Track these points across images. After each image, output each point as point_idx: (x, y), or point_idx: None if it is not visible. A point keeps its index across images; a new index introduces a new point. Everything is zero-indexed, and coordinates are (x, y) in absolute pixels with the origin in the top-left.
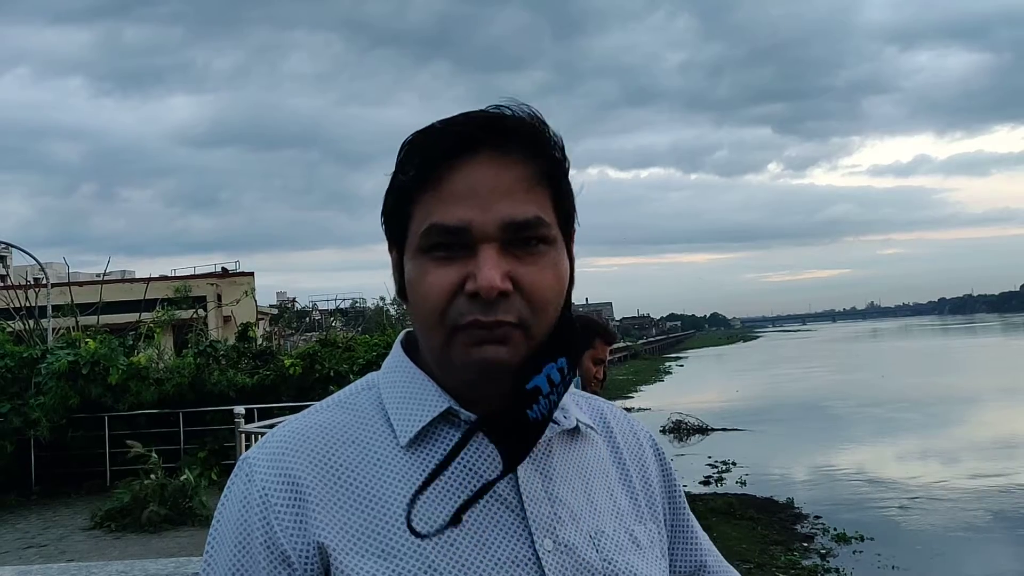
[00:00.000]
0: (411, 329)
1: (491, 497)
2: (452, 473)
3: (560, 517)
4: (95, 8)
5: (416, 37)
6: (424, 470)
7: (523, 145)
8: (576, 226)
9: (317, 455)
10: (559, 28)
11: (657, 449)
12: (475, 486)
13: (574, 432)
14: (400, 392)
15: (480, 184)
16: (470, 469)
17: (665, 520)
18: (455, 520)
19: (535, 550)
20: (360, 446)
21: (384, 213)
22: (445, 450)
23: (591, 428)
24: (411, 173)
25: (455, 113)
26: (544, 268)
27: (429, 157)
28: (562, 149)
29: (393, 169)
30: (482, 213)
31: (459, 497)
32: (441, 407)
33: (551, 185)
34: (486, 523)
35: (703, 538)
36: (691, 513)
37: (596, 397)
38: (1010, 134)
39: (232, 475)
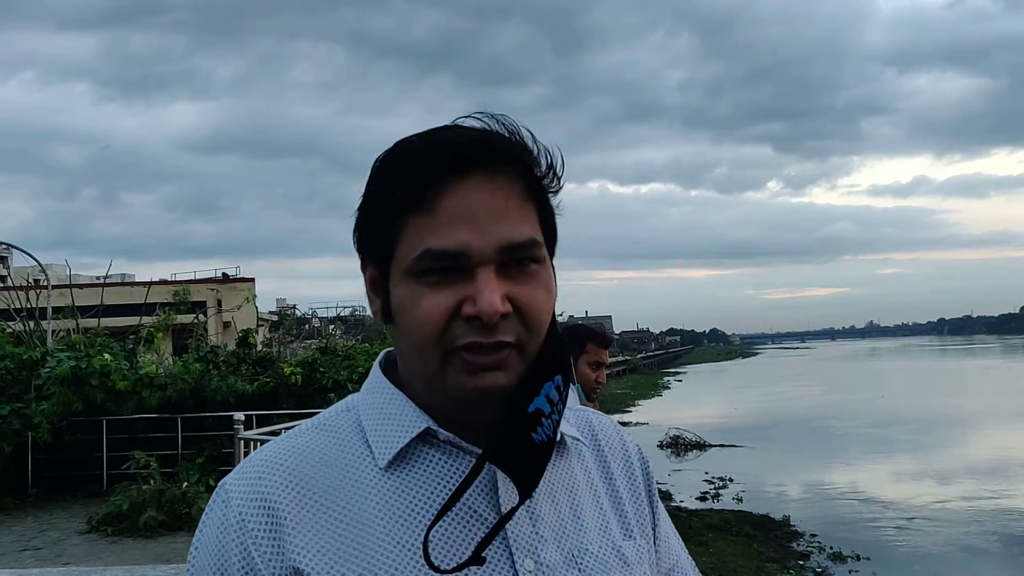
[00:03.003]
0: (390, 349)
1: (470, 517)
2: (439, 503)
3: (542, 536)
4: (102, 15)
5: (419, 50)
6: (404, 492)
7: (512, 164)
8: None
9: (294, 478)
10: (561, 44)
11: (644, 462)
12: (465, 514)
13: (560, 446)
14: (379, 413)
15: (476, 206)
16: (461, 501)
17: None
18: (477, 559)
19: (516, 571)
20: (339, 469)
21: (361, 231)
22: (425, 472)
23: (579, 441)
24: (398, 194)
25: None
26: (538, 288)
27: (418, 177)
28: (550, 163)
29: (367, 188)
30: (480, 237)
31: (450, 527)
32: (419, 427)
33: (537, 202)
34: (466, 545)
35: (675, 538)
36: (666, 515)
37: (585, 408)
38: (1008, 157)
39: (210, 501)
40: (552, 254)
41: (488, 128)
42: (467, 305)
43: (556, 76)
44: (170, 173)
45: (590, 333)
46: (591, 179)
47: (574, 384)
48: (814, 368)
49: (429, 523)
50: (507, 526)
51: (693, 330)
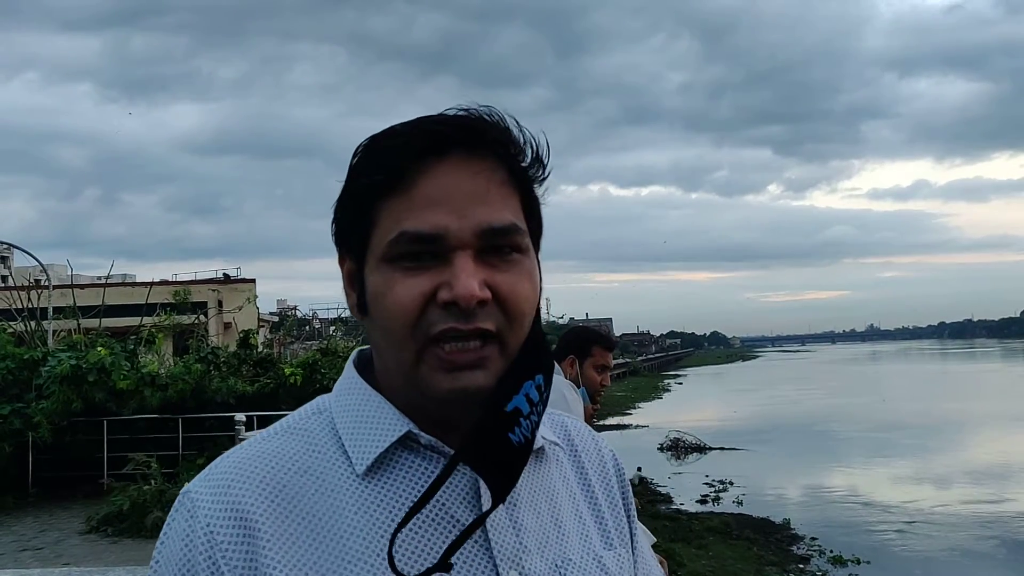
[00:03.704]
0: (364, 348)
1: (449, 524)
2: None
3: (526, 546)
4: (104, 17)
5: (420, 52)
6: (383, 500)
7: (494, 147)
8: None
9: (267, 486)
10: (562, 47)
11: (619, 468)
12: (443, 520)
13: (537, 452)
14: (354, 416)
15: (455, 188)
16: (435, 502)
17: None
18: (444, 566)
19: None
20: (313, 475)
21: (338, 221)
22: (405, 479)
23: (556, 445)
24: (377, 177)
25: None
26: (520, 276)
27: (397, 159)
28: (536, 152)
29: (348, 174)
30: (458, 219)
31: (427, 534)
32: (399, 431)
33: (521, 190)
34: (442, 552)
35: (648, 550)
36: (639, 528)
37: (558, 412)
38: (1008, 162)
39: (172, 510)
40: (537, 247)
41: (472, 113)
42: (443, 291)
43: (557, 78)
44: (172, 174)
45: (596, 336)
46: (592, 181)
47: (579, 387)
48: (815, 371)
49: (409, 531)
50: (491, 536)
51: (694, 333)
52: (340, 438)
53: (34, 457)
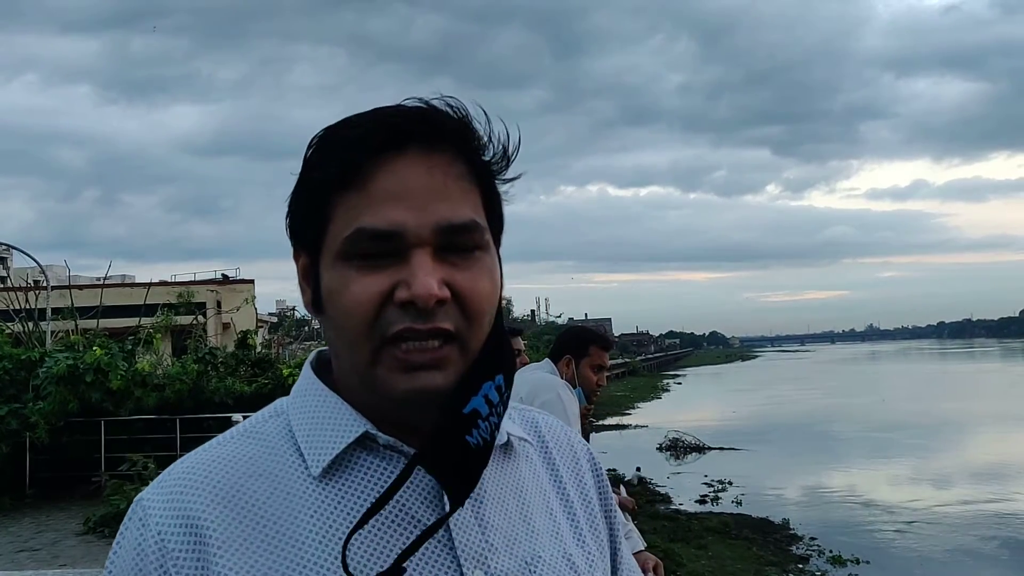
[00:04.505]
0: (323, 349)
1: (411, 525)
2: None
3: (493, 545)
4: (104, 19)
5: (419, 54)
6: (340, 503)
7: (454, 141)
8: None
9: (220, 492)
10: (560, 48)
11: (594, 463)
12: (404, 521)
13: (506, 447)
14: (310, 417)
15: (413, 183)
16: (396, 503)
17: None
18: (396, 570)
19: None
20: (268, 479)
21: (292, 215)
22: (363, 480)
23: (525, 441)
24: (331, 170)
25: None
26: (479, 275)
27: (353, 152)
28: (501, 146)
29: (302, 166)
30: (416, 215)
31: (387, 535)
32: (356, 432)
33: (481, 185)
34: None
35: (628, 553)
36: (620, 531)
37: (529, 407)
38: (1007, 161)
39: (126, 518)
40: (498, 243)
41: (431, 104)
42: (401, 289)
43: (555, 80)
44: (171, 175)
45: (593, 336)
46: (590, 182)
47: (575, 387)
48: (814, 371)
49: (368, 533)
50: (454, 535)
51: (692, 333)
52: (296, 440)
53: (31, 458)
